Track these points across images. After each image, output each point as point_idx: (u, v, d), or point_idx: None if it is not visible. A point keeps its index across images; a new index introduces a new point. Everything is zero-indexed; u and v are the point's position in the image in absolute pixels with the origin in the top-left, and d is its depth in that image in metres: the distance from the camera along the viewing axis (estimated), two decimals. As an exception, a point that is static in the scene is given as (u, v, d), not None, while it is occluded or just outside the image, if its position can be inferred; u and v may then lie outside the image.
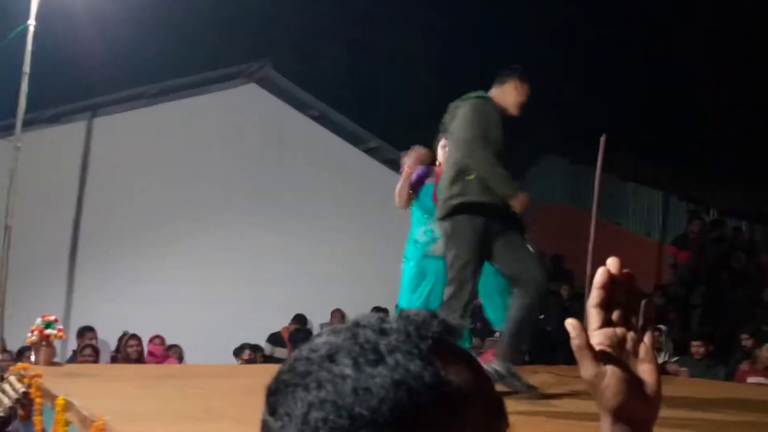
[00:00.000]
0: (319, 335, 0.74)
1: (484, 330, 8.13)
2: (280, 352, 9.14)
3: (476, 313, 5.65)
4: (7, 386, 5.07)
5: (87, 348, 7.77)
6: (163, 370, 6.47)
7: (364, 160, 11.88)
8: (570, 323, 0.82)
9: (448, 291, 4.18)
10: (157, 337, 8.67)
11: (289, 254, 10.71)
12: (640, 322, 0.84)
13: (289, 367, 0.71)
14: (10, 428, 5.25)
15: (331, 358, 0.69)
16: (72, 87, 10.80)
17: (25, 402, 4.86)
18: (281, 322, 9.78)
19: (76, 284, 9.93)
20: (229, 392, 4.64)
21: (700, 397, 4.51)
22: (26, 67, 8.05)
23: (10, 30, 8.36)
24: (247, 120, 11.13)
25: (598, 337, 0.83)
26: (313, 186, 11.09)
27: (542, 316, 9.81)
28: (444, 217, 4.26)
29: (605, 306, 0.84)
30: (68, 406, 3.79)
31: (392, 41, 14.76)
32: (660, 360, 6.85)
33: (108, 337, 9.06)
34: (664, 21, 13.91)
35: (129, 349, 8.08)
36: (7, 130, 8.72)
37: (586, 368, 0.82)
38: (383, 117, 13.15)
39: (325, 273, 10.49)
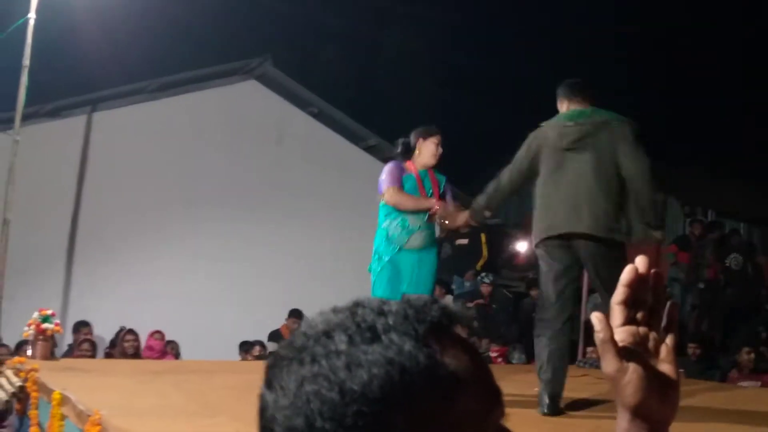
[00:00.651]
0: (320, 313, 0.75)
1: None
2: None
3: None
4: (3, 380, 5.07)
5: (85, 343, 7.77)
6: (160, 366, 6.47)
7: (363, 157, 11.87)
8: (596, 316, 0.82)
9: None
10: (157, 332, 8.66)
11: (288, 251, 10.71)
12: (664, 323, 0.84)
13: (288, 342, 0.73)
14: (6, 422, 5.25)
15: (327, 334, 0.70)
16: (72, 81, 10.78)
17: (21, 396, 4.86)
18: (279, 319, 9.78)
19: (73, 279, 9.91)
20: (227, 388, 4.65)
21: (694, 398, 4.52)
22: (26, 61, 8.04)
23: (10, 23, 8.35)
24: (246, 116, 11.12)
25: (621, 334, 0.83)
26: (312, 183, 11.09)
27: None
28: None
29: (630, 304, 0.84)
30: (64, 400, 3.80)
31: (393, 39, 14.76)
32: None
33: (105, 332, 9.05)
34: (664, 22, 13.90)
35: (126, 344, 8.07)
36: (6, 124, 8.70)
37: (609, 363, 0.82)
38: (383, 115, 13.15)
39: (323, 270, 10.49)
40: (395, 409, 0.66)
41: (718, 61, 13.50)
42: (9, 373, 5.22)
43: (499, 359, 8.18)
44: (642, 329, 0.84)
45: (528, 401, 3.93)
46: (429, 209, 4.66)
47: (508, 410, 0.75)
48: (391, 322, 0.70)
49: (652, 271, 0.84)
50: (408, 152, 4.87)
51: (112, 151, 10.10)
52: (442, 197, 4.78)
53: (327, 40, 15.09)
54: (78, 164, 10.10)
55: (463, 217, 4.49)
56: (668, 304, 0.85)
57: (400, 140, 4.92)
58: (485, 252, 10.46)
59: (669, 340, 0.84)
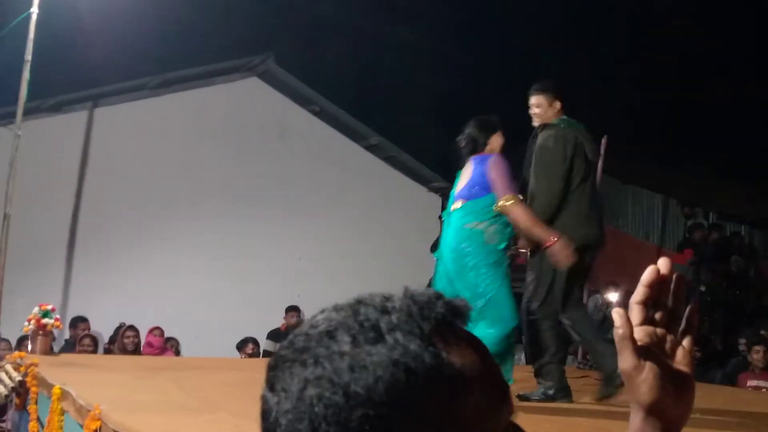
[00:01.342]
0: (321, 312, 0.73)
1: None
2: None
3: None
4: (3, 375, 5.06)
5: (86, 338, 7.76)
6: (160, 362, 6.47)
7: (364, 156, 11.87)
8: (617, 312, 0.82)
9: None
10: (157, 328, 8.65)
11: (289, 248, 10.70)
12: (682, 327, 0.84)
13: (289, 343, 0.71)
14: (5, 417, 5.25)
15: (330, 334, 0.68)
16: (73, 76, 10.76)
17: (21, 391, 4.86)
18: (279, 317, 9.77)
19: (73, 274, 9.90)
20: (226, 385, 4.64)
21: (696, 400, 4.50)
22: (28, 55, 8.04)
23: (13, 18, 8.34)
24: (248, 114, 11.11)
25: (638, 334, 0.83)
26: (313, 181, 11.08)
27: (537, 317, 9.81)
28: None
29: (648, 304, 0.83)
30: (64, 395, 3.79)
31: (396, 38, 14.74)
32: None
33: (104, 328, 9.04)
34: (665, 23, 13.90)
35: (126, 341, 8.07)
36: (7, 118, 8.70)
37: (626, 359, 0.82)
38: (385, 114, 13.12)
39: (324, 267, 10.49)
40: (401, 412, 0.65)
41: (722, 61, 13.49)
42: (9, 367, 5.21)
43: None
44: (660, 330, 0.83)
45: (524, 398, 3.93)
46: (544, 241, 4.12)
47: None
48: (395, 321, 0.68)
49: (676, 274, 0.83)
50: (476, 147, 4.32)
51: (113, 147, 10.09)
52: None
53: (330, 38, 15.08)
54: (79, 159, 10.10)
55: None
56: (688, 308, 0.84)
57: (465, 135, 4.35)
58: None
59: (686, 343, 0.84)
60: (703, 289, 9.86)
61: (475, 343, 0.72)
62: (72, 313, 9.08)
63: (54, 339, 6.75)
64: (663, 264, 0.83)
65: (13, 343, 7.83)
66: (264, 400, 0.71)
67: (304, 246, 10.77)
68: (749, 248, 10.86)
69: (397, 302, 0.70)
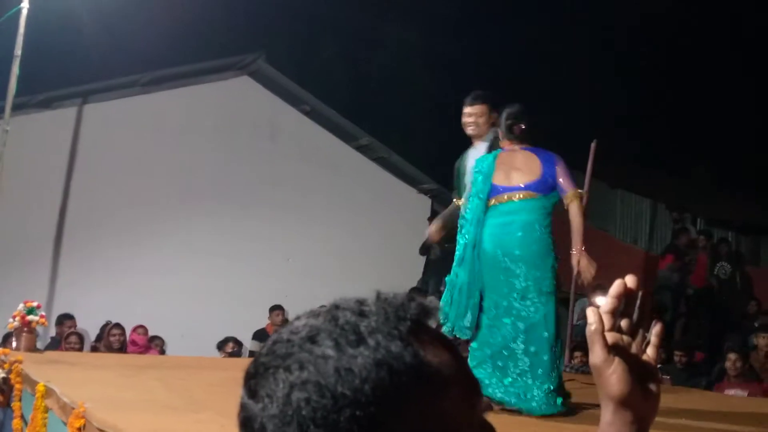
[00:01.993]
0: (297, 318, 0.75)
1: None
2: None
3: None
4: (-13, 371, 5.02)
5: (72, 336, 7.72)
6: (145, 361, 6.44)
7: (355, 157, 11.86)
8: (591, 309, 0.88)
9: None
10: (140, 326, 8.61)
11: (277, 248, 10.68)
12: (649, 339, 0.90)
13: (269, 350, 0.72)
14: (-12, 413, 5.20)
15: (312, 339, 0.70)
16: (64, 72, 10.70)
17: (4, 387, 4.83)
18: (266, 317, 9.76)
19: (60, 271, 9.84)
20: (212, 384, 4.62)
21: (680, 406, 4.53)
22: (17, 50, 8.00)
23: (3, 12, 8.29)
24: (238, 112, 11.08)
25: (607, 338, 0.88)
26: (303, 181, 11.07)
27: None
28: None
29: (616, 314, 0.89)
30: (49, 392, 3.77)
31: (388, 39, 14.74)
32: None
33: (90, 326, 8.98)
34: (657, 29, 13.96)
35: (112, 338, 8.02)
36: (-4, 113, 8.64)
37: (596, 353, 0.87)
38: (376, 115, 13.12)
39: (313, 267, 10.47)
40: (387, 411, 0.67)
41: (714, 67, 13.57)
42: (-8, 364, 5.17)
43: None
44: (626, 338, 0.89)
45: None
46: (579, 247, 4.19)
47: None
48: (374, 324, 0.70)
49: (642, 290, 0.90)
50: (526, 137, 4.30)
51: (102, 144, 10.04)
52: None
53: (322, 38, 15.07)
54: (68, 156, 10.04)
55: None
56: (653, 322, 0.90)
57: (523, 123, 4.29)
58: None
59: (651, 351, 0.89)
60: (690, 292, 9.91)
61: (446, 341, 0.75)
62: (58, 310, 9.02)
63: (38, 336, 6.71)
64: (630, 280, 0.90)
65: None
66: (245, 407, 0.72)
67: (292, 246, 10.75)
68: (736, 255, 10.91)
69: (372, 306, 0.73)
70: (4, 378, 4.82)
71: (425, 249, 10.46)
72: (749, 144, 12.75)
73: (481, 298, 4.10)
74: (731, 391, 6.52)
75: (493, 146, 4.55)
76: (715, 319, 9.39)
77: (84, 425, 3.07)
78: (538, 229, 4.07)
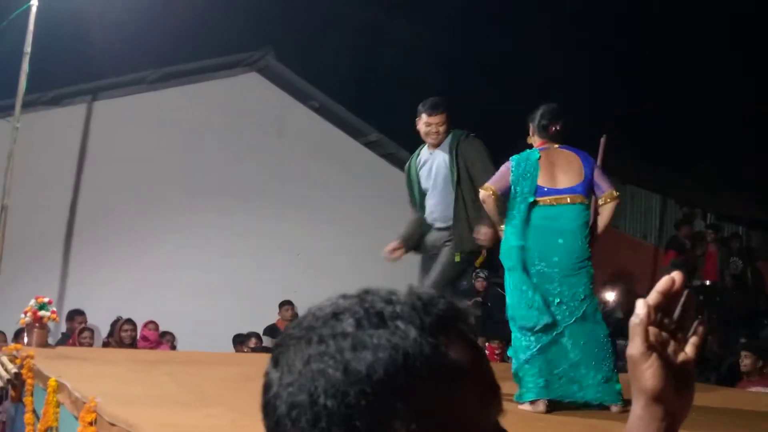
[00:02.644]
0: (329, 298, 0.78)
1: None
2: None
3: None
4: (-1, 366, 5.06)
5: (85, 331, 7.77)
6: (156, 356, 6.47)
7: (363, 153, 11.86)
8: (641, 301, 0.88)
9: None
10: (152, 322, 8.65)
11: (287, 244, 10.69)
12: (691, 338, 0.89)
13: (296, 324, 0.76)
14: (1, 408, 5.24)
15: (336, 317, 0.73)
16: (73, 69, 10.74)
17: (16, 383, 4.86)
18: (276, 312, 9.78)
19: (70, 267, 9.89)
20: (223, 379, 4.64)
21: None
22: (27, 48, 8.03)
23: (13, 10, 8.32)
24: (247, 109, 11.10)
25: (649, 332, 0.88)
26: (312, 177, 11.07)
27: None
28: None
29: (658, 309, 0.88)
30: (60, 387, 3.79)
31: (397, 34, 14.72)
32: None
33: (101, 322, 9.03)
34: (665, 25, 13.89)
35: (123, 334, 8.07)
36: (6, 111, 8.68)
37: (636, 345, 0.87)
38: (384, 111, 13.10)
39: (322, 264, 10.48)
40: (397, 393, 0.69)
41: (723, 63, 13.49)
42: (4, 359, 5.21)
43: (496, 357, 8.18)
44: (665, 334, 0.88)
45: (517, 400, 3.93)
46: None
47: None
48: (398, 311, 0.73)
49: (687, 291, 0.89)
50: (560, 135, 4.28)
51: (111, 141, 10.08)
52: None
53: (330, 34, 15.05)
54: (78, 153, 10.08)
55: None
56: (696, 322, 0.89)
57: (560, 123, 4.26)
58: (484, 250, 10.43)
59: (689, 350, 0.89)
60: (698, 283, 9.85)
61: (471, 342, 0.76)
62: (69, 305, 9.07)
63: (50, 332, 6.75)
64: (678, 277, 0.89)
65: (10, 335, 7.83)
66: (266, 375, 0.76)
67: (301, 242, 10.76)
68: (747, 250, 10.86)
69: (402, 296, 0.75)
70: (16, 373, 4.85)
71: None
72: (760, 139, 12.67)
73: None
74: (754, 389, 6.47)
75: (457, 149, 4.77)
76: (726, 314, 9.35)
77: (95, 420, 3.09)
78: (579, 238, 4.04)
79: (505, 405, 0.77)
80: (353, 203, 11.12)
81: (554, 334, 3.95)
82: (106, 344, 8.48)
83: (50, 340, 6.77)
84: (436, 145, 4.89)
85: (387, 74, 15.08)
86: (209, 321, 9.42)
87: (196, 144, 10.56)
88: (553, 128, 4.23)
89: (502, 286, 11.39)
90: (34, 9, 8.05)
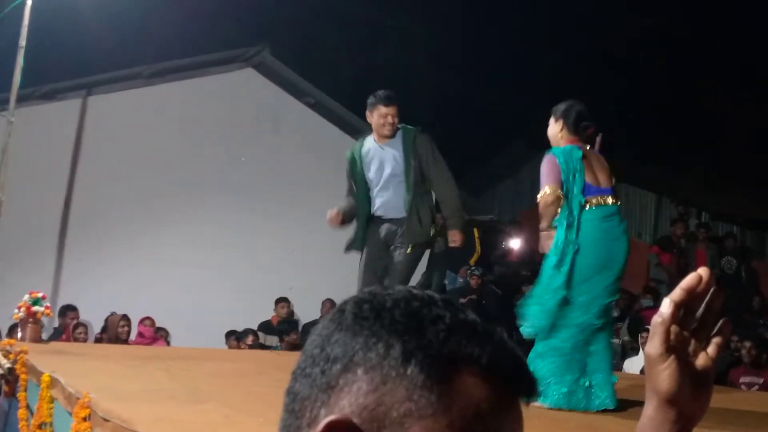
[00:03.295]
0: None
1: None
2: (271, 340, 9.13)
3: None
4: (-8, 361, 5.04)
5: (79, 327, 7.75)
6: (150, 352, 6.46)
7: (359, 149, 11.84)
8: (668, 299, 0.84)
9: None
10: (148, 318, 8.64)
11: (281, 240, 10.68)
12: (715, 338, 0.86)
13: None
14: (-6, 403, 5.22)
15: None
16: (68, 64, 10.72)
17: (10, 378, 4.84)
18: (270, 309, 9.77)
19: (64, 263, 9.87)
20: (217, 375, 4.64)
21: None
22: (22, 42, 8.00)
23: (8, 3, 8.29)
24: (242, 105, 11.08)
25: (671, 332, 0.85)
26: (308, 173, 11.05)
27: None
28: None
29: (681, 306, 0.85)
30: (54, 383, 3.78)
31: (394, 30, 14.71)
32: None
33: (94, 317, 9.01)
34: (660, 26, 13.92)
35: (119, 330, 8.05)
36: (0, 105, 8.65)
37: (655, 344, 0.84)
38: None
39: (316, 260, 10.47)
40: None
41: (718, 62, 13.53)
42: (-2, 354, 5.19)
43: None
44: (686, 333, 0.85)
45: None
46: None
47: None
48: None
49: (714, 288, 0.85)
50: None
51: (106, 136, 10.05)
52: None
53: (326, 30, 15.05)
54: (72, 147, 10.05)
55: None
56: (722, 321, 0.86)
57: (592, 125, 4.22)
58: (478, 247, 10.46)
59: (712, 351, 0.86)
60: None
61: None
62: (62, 301, 9.05)
63: (43, 327, 6.73)
64: (705, 273, 0.85)
65: (4, 330, 7.81)
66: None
67: (296, 238, 10.75)
68: (741, 249, 10.89)
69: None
70: (9, 368, 4.83)
71: (429, 243, 10.45)
72: (755, 138, 12.71)
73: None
74: (747, 379, 6.51)
75: (414, 142, 4.95)
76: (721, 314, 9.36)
77: (89, 415, 3.08)
78: (626, 241, 4.05)
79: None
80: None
81: (582, 338, 3.89)
82: (98, 340, 8.46)
83: (43, 336, 6.76)
84: (389, 137, 4.96)
85: (383, 71, 15.08)
86: (204, 317, 9.40)
87: (191, 140, 10.54)
88: (590, 130, 4.20)
89: (496, 284, 11.43)
90: (29, 3, 8.02)
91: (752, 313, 9.28)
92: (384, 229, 5.06)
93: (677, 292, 0.84)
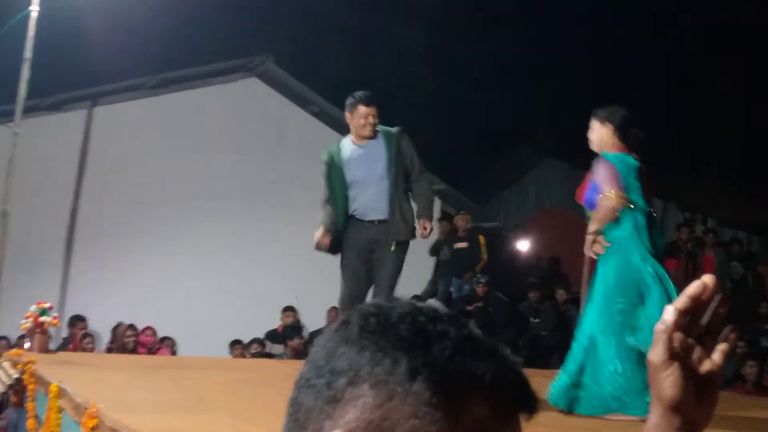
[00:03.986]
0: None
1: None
2: (276, 349, 9.14)
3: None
4: (0, 372, 5.06)
5: (87, 337, 7.78)
6: (157, 361, 6.47)
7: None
8: (671, 306, 0.84)
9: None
10: (149, 328, 8.66)
11: (287, 249, 10.68)
12: (720, 345, 0.85)
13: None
14: (2, 414, 5.24)
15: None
16: (72, 75, 10.77)
17: (18, 388, 4.85)
18: (276, 317, 9.77)
19: (71, 273, 9.90)
20: (223, 384, 4.64)
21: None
22: (27, 54, 8.05)
23: (12, 15, 8.35)
24: (247, 114, 11.11)
25: (674, 339, 0.85)
26: (313, 182, 10.97)
27: (537, 320, 9.83)
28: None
29: (686, 313, 0.85)
30: (62, 393, 3.79)
31: (397, 39, 14.75)
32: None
33: (102, 327, 9.03)
34: (664, 28, 13.93)
35: (126, 339, 8.08)
36: (6, 116, 8.70)
37: (658, 352, 0.84)
38: (383, 116, 13.11)
39: (322, 269, 10.44)
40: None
41: (723, 65, 13.52)
42: (6, 365, 5.21)
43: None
44: (690, 340, 0.85)
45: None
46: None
47: None
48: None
49: (719, 295, 0.85)
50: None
51: (111, 146, 10.09)
52: None
53: (329, 39, 15.09)
54: (78, 158, 10.10)
55: None
56: (727, 328, 0.86)
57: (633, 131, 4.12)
58: (484, 255, 10.44)
59: (717, 358, 0.85)
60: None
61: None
62: (70, 311, 9.08)
63: (51, 337, 6.75)
64: (710, 280, 0.85)
65: (12, 340, 7.83)
66: None
67: (302, 246, 10.71)
68: (748, 254, 10.84)
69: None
70: (17, 378, 4.85)
71: (435, 250, 10.46)
72: (761, 144, 12.69)
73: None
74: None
75: (397, 144, 5.06)
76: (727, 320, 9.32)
77: (97, 425, 3.09)
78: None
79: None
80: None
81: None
82: (109, 350, 8.48)
83: (50, 346, 6.78)
84: (369, 138, 4.98)
85: (386, 79, 15.11)
86: (210, 326, 9.41)
87: (196, 149, 10.57)
88: (636, 138, 4.11)
89: (502, 292, 11.39)
90: (34, 15, 8.07)
91: (759, 319, 9.23)
92: (365, 233, 5.03)
93: (681, 300, 0.84)
